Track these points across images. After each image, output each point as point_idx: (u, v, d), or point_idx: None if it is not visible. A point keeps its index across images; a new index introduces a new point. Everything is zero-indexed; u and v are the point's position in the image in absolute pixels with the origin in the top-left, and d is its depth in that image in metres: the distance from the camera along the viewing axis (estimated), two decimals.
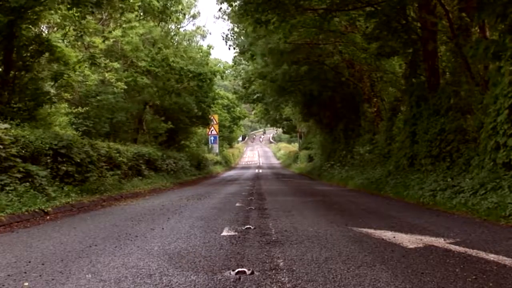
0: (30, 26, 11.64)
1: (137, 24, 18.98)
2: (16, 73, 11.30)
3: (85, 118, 15.01)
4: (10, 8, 9.86)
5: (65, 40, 14.30)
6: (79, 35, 13.81)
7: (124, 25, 18.40)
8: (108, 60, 16.81)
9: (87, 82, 15.56)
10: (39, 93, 11.73)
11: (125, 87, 17.52)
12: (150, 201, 10.23)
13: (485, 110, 7.93)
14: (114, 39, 17.72)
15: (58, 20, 13.72)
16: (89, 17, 13.70)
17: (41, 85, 11.99)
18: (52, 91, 12.38)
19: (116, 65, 17.05)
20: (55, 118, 12.88)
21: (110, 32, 17.78)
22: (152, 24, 21.04)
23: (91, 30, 14.53)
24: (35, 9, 10.81)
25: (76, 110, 14.60)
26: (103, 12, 16.37)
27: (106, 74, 16.56)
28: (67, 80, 13.27)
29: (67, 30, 14.24)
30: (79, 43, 15.19)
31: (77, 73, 13.89)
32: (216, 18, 48.63)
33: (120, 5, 14.01)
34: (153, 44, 21.16)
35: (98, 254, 4.03)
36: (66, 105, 14.34)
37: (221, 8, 20.14)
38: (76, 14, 12.31)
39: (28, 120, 10.43)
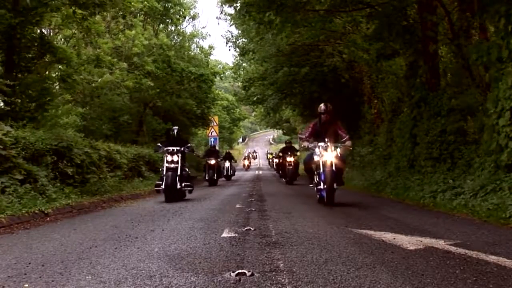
0: (32, 27, 11.68)
1: (140, 28, 19.12)
2: (19, 74, 11.33)
3: (92, 118, 15.09)
4: (18, 10, 9.96)
5: (69, 42, 14.39)
6: (84, 37, 13.88)
7: (137, 29, 18.55)
8: (116, 60, 16.89)
9: (98, 80, 15.64)
10: (42, 94, 11.77)
11: (133, 85, 17.63)
12: (150, 202, 10.23)
13: (486, 112, 7.92)
14: (120, 44, 17.82)
15: (61, 21, 13.78)
16: (94, 18, 13.76)
17: (44, 86, 12.03)
18: (55, 90, 12.45)
19: (123, 65, 17.14)
20: (59, 119, 12.92)
21: (117, 34, 17.89)
22: (159, 28, 21.24)
23: (94, 31, 14.60)
24: (37, 10, 10.86)
25: (77, 111, 14.64)
26: (106, 14, 16.48)
27: (116, 72, 16.64)
28: (72, 82, 13.32)
29: (71, 32, 14.31)
30: (83, 44, 15.28)
31: (82, 76, 13.96)
32: (218, 18, 48.40)
33: (123, 6, 14.08)
34: (160, 47, 21.27)
35: (98, 255, 4.03)
36: (70, 105, 14.40)
37: (222, 9, 20.15)
38: (78, 16, 12.36)
39: (31, 121, 10.46)
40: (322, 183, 8.06)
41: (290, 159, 17.30)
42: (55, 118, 12.66)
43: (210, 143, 38.71)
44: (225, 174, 22.20)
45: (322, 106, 8.68)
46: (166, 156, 10.17)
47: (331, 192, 7.86)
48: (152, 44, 20.20)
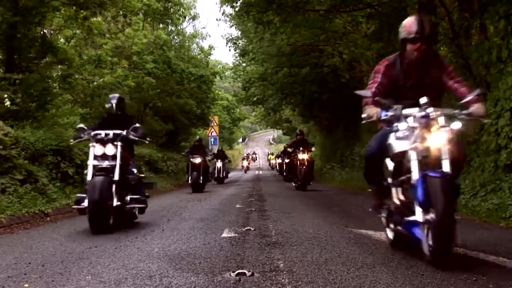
0: (33, 26, 11.69)
1: (139, 26, 19.19)
2: (19, 74, 11.34)
3: (92, 118, 15.14)
4: (17, 9, 9.99)
5: (70, 42, 14.42)
6: (85, 37, 13.92)
7: (134, 27, 18.61)
8: (116, 59, 16.95)
9: (100, 80, 15.68)
10: (42, 94, 11.78)
11: (134, 85, 17.67)
12: (150, 202, 10.18)
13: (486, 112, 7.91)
14: (121, 41, 17.89)
15: (62, 22, 13.82)
16: (95, 19, 13.80)
17: (45, 86, 12.04)
18: (56, 90, 12.47)
19: (124, 63, 17.18)
20: (59, 119, 12.94)
21: (116, 33, 17.96)
22: (159, 27, 21.32)
23: (95, 31, 14.63)
24: (39, 10, 10.88)
25: (78, 111, 14.68)
26: (107, 13, 16.52)
27: (118, 71, 16.70)
28: (72, 82, 13.36)
29: (72, 32, 14.35)
30: (84, 45, 15.35)
31: (82, 76, 14.00)
32: (218, 20, 48.18)
33: (123, 6, 14.13)
34: (161, 47, 21.35)
35: (98, 255, 4.03)
36: (71, 106, 14.44)
37: (223, 10, 20.22)
38: (80, 16, 12.39)
39: (33, 121, 10.48)
40: (419, 207, 3.34)
41: (303, 156, 13.24)
42: (55, 118, 12.67)
43: (210, 143, 38.71)
44: (216, 176, 18.68)
45: (412, 21, 3.86)
46: (94, 147, 5.63)
47: (446, 230, 3.18)
48: (151, 42, 20.24)
